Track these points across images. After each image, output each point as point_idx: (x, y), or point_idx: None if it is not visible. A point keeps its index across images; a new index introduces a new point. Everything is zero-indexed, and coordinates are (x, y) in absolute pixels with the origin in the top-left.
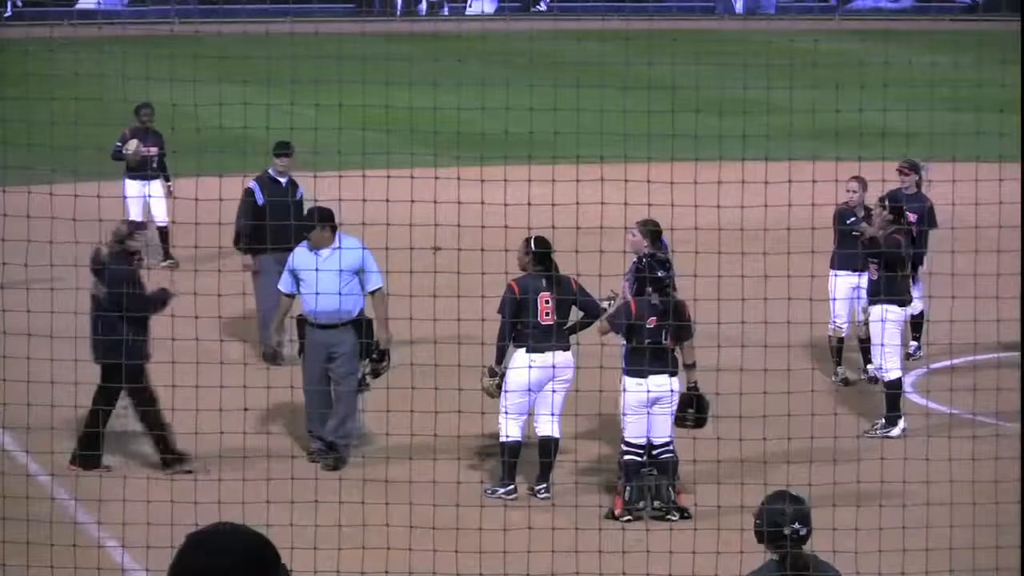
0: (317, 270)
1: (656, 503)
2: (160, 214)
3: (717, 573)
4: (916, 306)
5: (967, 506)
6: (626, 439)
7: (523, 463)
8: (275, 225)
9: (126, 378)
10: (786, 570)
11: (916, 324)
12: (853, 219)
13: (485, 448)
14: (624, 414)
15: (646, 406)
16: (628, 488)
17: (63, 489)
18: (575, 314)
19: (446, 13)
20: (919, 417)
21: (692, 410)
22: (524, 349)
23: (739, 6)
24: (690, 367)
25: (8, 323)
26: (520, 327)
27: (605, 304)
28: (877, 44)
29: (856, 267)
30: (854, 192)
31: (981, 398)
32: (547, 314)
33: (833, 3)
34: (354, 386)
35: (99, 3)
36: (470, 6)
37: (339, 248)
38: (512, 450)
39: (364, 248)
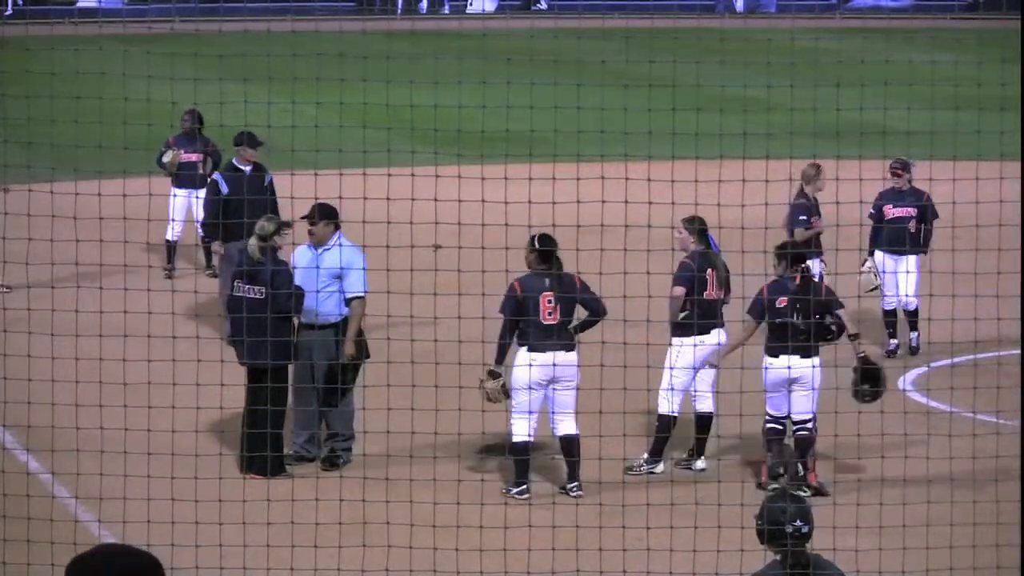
0: (317, 268)
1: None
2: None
3: (718, 571)
4: (911, 303)
5: (967, 504)
6: (768, 411)
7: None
8: (238, 213)
9: (275, 378)
10: (788, 569)
11: (911, 322)
12: (804, 217)
13: (486, 446)
14: (765, 390)
15: (782, 385)
16: (770, 456)
17: (63, 487)
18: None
19: (447, 11)
20: (920, 415)
21: (864, 384)
22: (525, 348)
23: (740, 4)
24: (852, 337)
25: (8, 320)
26: (522, 326)
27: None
28: (878, 42)
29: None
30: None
31: (982, 396)
32: (549, 313)
33: (834, 1)
34: (348, 400)
35: (100, 1)
36: (471, 4)
37: (333, 247)
38: (518, 449)
39: (359, 251)
